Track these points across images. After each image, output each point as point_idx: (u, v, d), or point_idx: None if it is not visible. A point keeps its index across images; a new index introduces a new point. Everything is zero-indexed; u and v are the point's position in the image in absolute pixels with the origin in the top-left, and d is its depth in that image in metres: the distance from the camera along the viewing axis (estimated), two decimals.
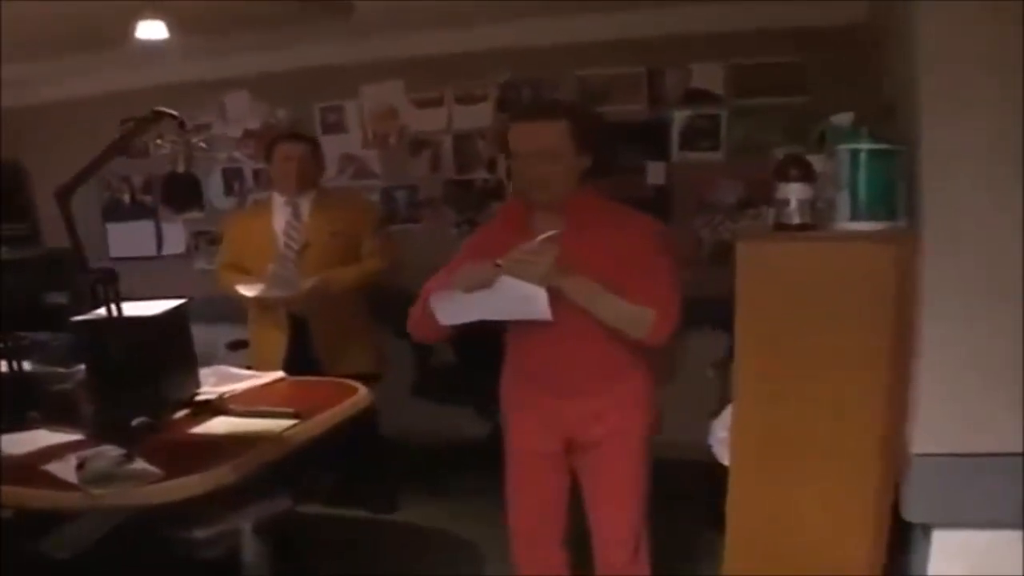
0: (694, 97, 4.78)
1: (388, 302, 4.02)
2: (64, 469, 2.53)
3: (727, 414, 2.35)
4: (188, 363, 3.27)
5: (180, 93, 5.25)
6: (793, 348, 2.15)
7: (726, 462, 2.31)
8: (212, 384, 3.37)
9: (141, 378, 2.95)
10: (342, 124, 5.43)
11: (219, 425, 2.97)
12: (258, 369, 3.87)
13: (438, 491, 4.68)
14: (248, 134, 5.63)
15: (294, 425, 2.89)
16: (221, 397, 3.23)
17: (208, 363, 3.96)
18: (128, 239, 6.09)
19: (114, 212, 6.14)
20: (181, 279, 5.35)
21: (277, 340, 4.04)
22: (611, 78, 4.86)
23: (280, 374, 3.58)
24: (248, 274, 4.01)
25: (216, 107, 5.67)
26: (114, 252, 6.11)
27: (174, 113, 3.02)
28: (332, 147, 5.23)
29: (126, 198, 6.11)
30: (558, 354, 2.63)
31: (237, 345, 4.49)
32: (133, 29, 4.04)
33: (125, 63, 5.18)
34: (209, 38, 4.87)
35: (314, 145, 4.16)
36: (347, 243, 4.01)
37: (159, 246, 6.06)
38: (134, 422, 2.83)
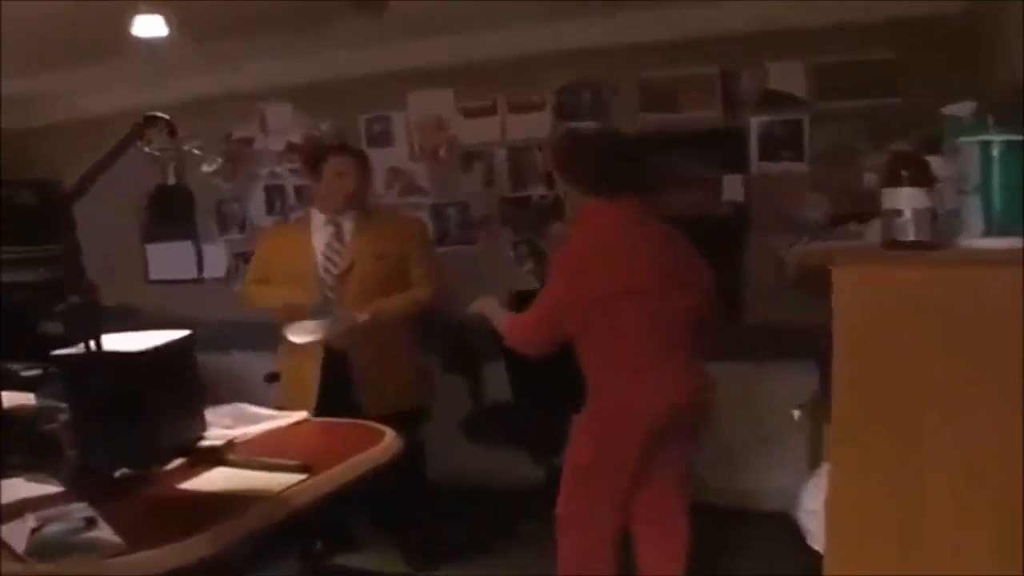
0: (773, 100, 4.35)
1: (437, 331, 3.79)
2: (16, 533, 2.12)
3: (820, 479, 1.93)
4: (189, 405, 2.86)
5: (217, 105, 5.14)
6: (906, 397, 1.70)
7: (819, 546, 1.81)
8: (226, 425, 2.98)
9: (128, 422, 2.56)
10: (388, 136, 5.13)
11: (215, 479, 2.56)
12: (289, 407, 3.50)
13: (485, 546, 4.26)
14: (291, 147, 5.31)
15: (301, 481, 2.45)
16: (230, 443, 2.83)
17: (243, 396, 3.62)
18: (168, 261, 5.85)
19: (154, 233, 5.88)
20: (222, 303, 5.08)
21: (310, 374, 3.69)
22: (679, 80, 4.47)
23: (303, 415, 3.16)
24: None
25: (256, 119, 5.41)
26: (154, 275, 5.91)
27: (165, 116, 2.62)
28: (378, 160, 4.89)
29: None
30: None
31: (274, 377, 4.11)
32: (129, 26, 3.66)
33: (157, 75, 5.03)
34: (246, 44, 4.63)
35: (364, 159, 3.85)
36: (393, 267, 3.69)
37: (200, 268, 5.78)
38: (116, 474, 2.44)
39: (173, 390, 2.78)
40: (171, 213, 2.88)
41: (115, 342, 2.65)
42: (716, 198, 4.42)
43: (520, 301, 3.06)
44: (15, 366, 3.02)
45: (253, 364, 3.95)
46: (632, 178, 2.84)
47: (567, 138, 3.13)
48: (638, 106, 4.51)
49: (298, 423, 3.10)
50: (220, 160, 5.06)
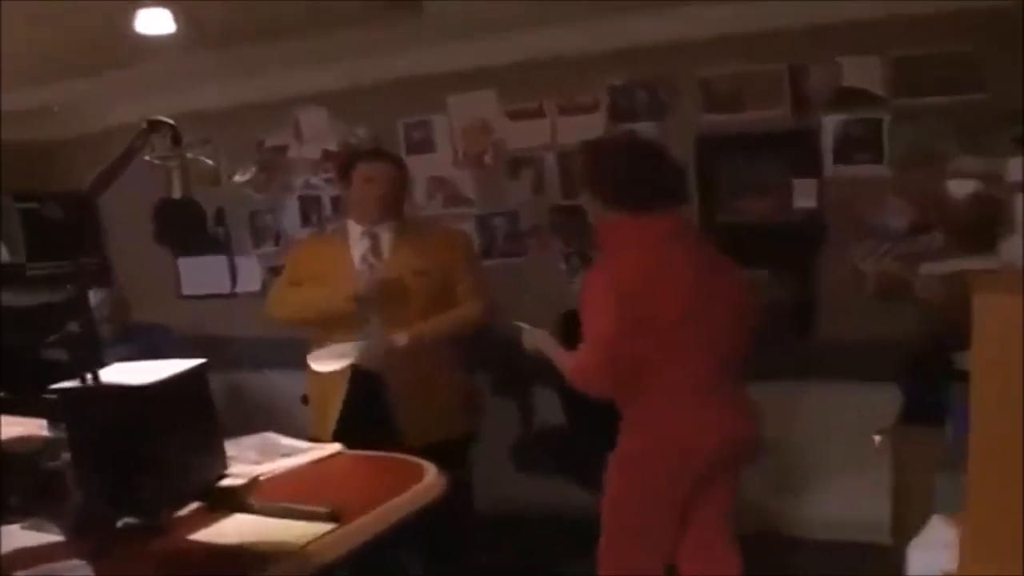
0: (848, 98, 4.01)
1: (484, 350, 3.57)
2: None
3: (937, 530, 1.76)
4: (205, 442, 2.57)
5: (249, 112, 5.01)
6: None
7: None
8: (252, 460, 2.73)
9: (132, 465, 2.26)
10: (429, 142, 4.86)
11: (232, 529, 2.27)
12: (318, 433, 3.33)
13: None
14: (326, 156, 5.06)
15: (329, 532, 2.14)
16: (253, 481, 2.52)
17: (278, 418, 3.46)
18: (201, 275, 5.64)
19: (186, 246, 5.66)
20: (256, 319, 4.60)
21: (332, 399, 3.43)
22: (744, 78, 4.15)
23: (336, 447, 2.87)
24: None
25: (290, 126, 5.18)
26: (186, 290, 5.71)
27: (170, 122, 2.33)
28: (419, 168, 4.70)
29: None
30: None
31: (307, 400, 3.82)
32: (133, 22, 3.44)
33: (187, 82, 4.87)
34: (279, 48, 4.44)
35: (400, 165, 3.57)
36: (436, 283, 3.41)
37: (233, 282, 5.55)
38: (119, 523, 2.17)
39: (185, 426, 2.49)
40: (178, 229, 2.59)
41: (122, 372, 2.40)
42: (787, 205, 4.11)
43: (572, 323, 2.79)
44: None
45: (289, 384, 3.73)
46: (668, 190, 2.62)
47: (590, 146, 2.83)
48: (699, 106, 4.22)
49: (330, 457, 2.82)
50: (253, 169, 5.07)
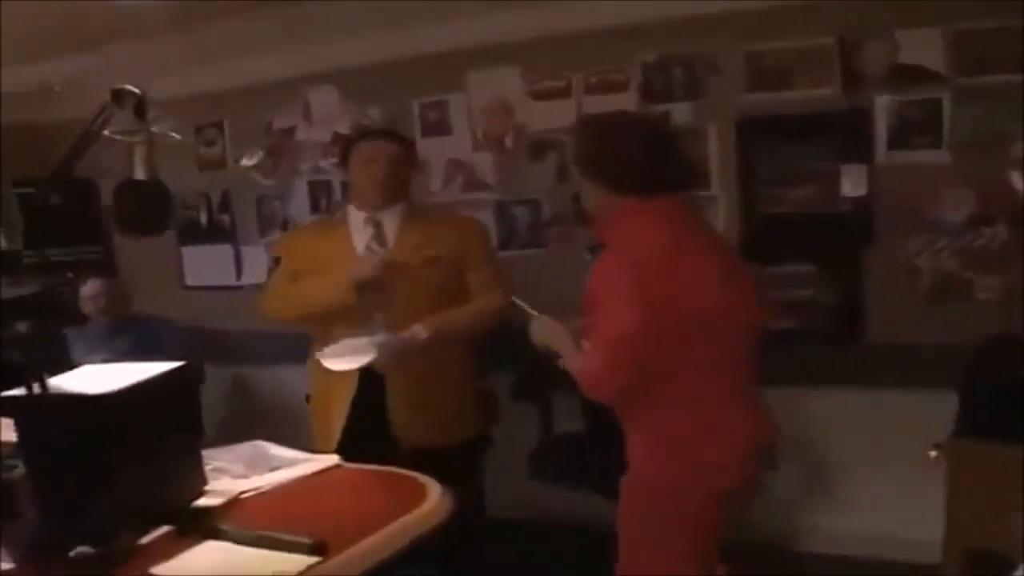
0: (904, 76, 3.71)
1: (499, 348, 3.28)
2: None
3: None
4: (179, 456, 2.31)
5: (257, 92, 4.85)
6: None
7: None
8: (238, 473, 2.47)
9: (90, 482, 1.97)
10: (446, 123, 4.61)
11: (199, 560, 1.98)
12: (321, 438, 3.15)
13: None
14: (336, 138, 4.79)
15: (311, 567, 1.85)
16: (234, 500, 2.25)
17: (283, 416, 3.47)
18: (205, 265, 5.44)
19: (190, 234, 5.46)
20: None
21: (339, 399, 3.19)
22: (790, 53, 3.84)
23: (333, 459, 2.59)
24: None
25: (299, 107, 4.94)
26: (190, 280, 5.52)
27: (135, 90, 2.03)
28: (436, 151, 4.56)
29: (203, 218, 5.41)
30: None
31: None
32: None
33: (191, 60, 4.75)
34: (287, 24, 4.35)
35: (404, 144, 3.33)
36: (447, 273, 3.19)
37: (238, 273, 5.32)
38: (73, 553, 1.86)
39: (154, 438, 2.21)
40: (140, 218, 2.31)
41: (88, 377, 2.19)
42: (834, 193, 3.82)
43: None
44: None
45: (297, 380, 3.50)
46: (681, 172, 2.40)
47: (591, 124, 2.55)
48: (740, 85, 3.91)
49: (326, 470, 2.53)
50: (261, 153, 4.80)
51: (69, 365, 2.39)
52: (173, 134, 2.21)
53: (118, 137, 2.08)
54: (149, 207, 2.21)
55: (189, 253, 5.51)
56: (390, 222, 3.20)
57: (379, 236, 3.21)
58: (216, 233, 5.36)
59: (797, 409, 3.57)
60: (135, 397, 2.10)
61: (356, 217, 3.25)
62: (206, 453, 2.49)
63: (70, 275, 4.86)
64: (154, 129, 2.14)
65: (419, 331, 3.04)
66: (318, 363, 3.20)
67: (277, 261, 3.42)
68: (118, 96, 2.14)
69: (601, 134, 2.40)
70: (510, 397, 3.91)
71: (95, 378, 2.16)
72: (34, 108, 4.97)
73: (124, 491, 2.04)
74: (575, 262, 4.18)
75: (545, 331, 2.47)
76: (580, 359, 2.30)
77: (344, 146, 3.32)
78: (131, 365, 2.28)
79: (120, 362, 4.20)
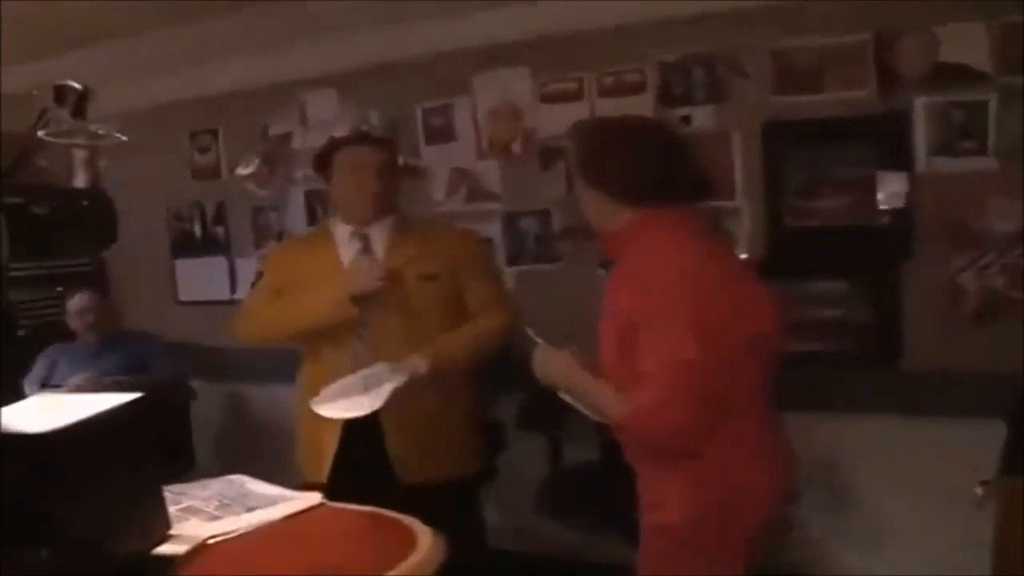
0: (946, 75, 3.47)
1: (503, 372, 3.04)
2: None
3: None
4: (136, 499, 2.01)
5: (253, 96, 4.76)
6: None
7: None
8: (210, 514, 2.25)
9: (27, 531, 1.72)
10: (450, 128, 4.42)
11: None
12: (308, 468, 2.99)
13: None
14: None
15: None
16: (202, 546, 2.02)
17: (276, 438, 3.36)
18: (199, 279, 5.24)
19: (184, 247, 5.31)
20: None
21: (334, 427, 2.96)
22: (821, 51, 3.61)
23: (315, 498, 2.36)
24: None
25: (296, 111, 4.77)
26: (183, 295, 5.33)
27: (76, 86, 1.78)
28: (439, 159, 4.40)
29: (197, 230, 5.24)
30: None
31: None
32: None
33: (185, 63, 4.66)
34: (285, 23, 4.25)
35: (391, 149, 3.14)
36: (446, 291, 3.00)
37: (232, 287, 5.11)
38: None
39: (107, 481, 1.94)
40: (77, 232, 2.09)
41: (39, 410, 1.95)
42: (869, 204, 3.59)
43: None
44: None
45: (290, 398, 3.28)
46: (688, 182, 2.22)
47: (598, 128, 2.39)
48: (767, 86, 3.68)
49: (306, 512, 2.29)
50: (256, 161, 4.64)
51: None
52: (118, 135, 1.93)
53: (51, 139, 1.81)
54: (88, 220, 1.93)
55: (183, 267, 5.34)
56: (379, 236, 3.01)
57: (367, 251, 3.01)
58: (211, 246, 5.18)
59: (826, 438, 3.43)
60: (85, 433, 1.85)
61: (341, 231, 3.05)
62: (177, 489, 2.30)
63: (59, 289, 4.75)
64: (97, 130, 1.87)
65: (419, 365, 2.84)
66: (307, 382, 3.03)
67: (257, 277, 3.17)
68: (60, 93, 1.88)
69: (609, 138, 2.23)
70: (515, 425, 3.71)
71: (43, 411, 1.92)
72: (11, 113, 4.82)
73: (69, 539, 1.78)
74: (588, 278, 3.97)
75: (554, 365, 2.24)
76: (623, 398, 2.03)
77: (322, 154, 3.08)
78: (88, 396, 2.06)
79: (109, 379, 4.21)
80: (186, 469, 4.34)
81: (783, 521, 2.35)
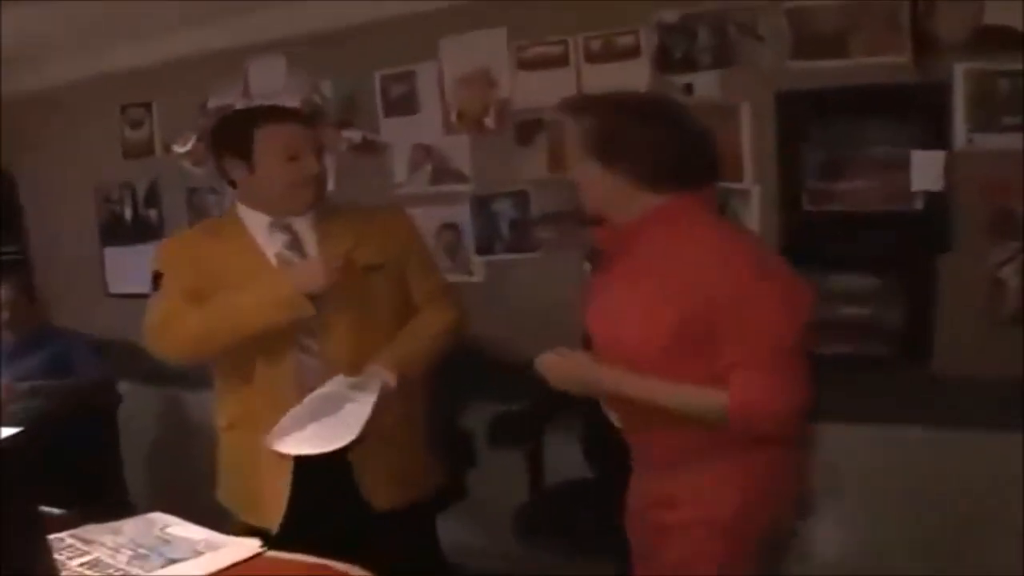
0: (991, 40, 3.12)
1: (471, 376, 3.03)
2: None
3: None
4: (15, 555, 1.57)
5: (193, 66, 4.43)
6: None
7: None
8: (118, 568, 1.94)
9: None
10: (413, 99, 4.04)
11: None
12: (241, 511, 2.65)
13: None
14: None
15: None
16: None
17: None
18: (130, 268, 4.82)
19: (113, 232, 4.96)
20: None
21: (274, 466, 2.60)
22: (846, 11, 3.26)
23: (253, 546, 2.03)
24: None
25: (239, 82, 4.40)
26: (113, 287, 5.00)
27: None
28: (400, 134, 4.03)
29: (127, 213, 4.90)
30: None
31: None
32: None
33: (122, 33, 4.36)
34: None
35: (316, 125, 2.91)
36: (389, 283, 2.74)
37: None
38: None
39: None
40: None
41: None
42: (901, 187, 3.23)
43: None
44: None
45: None
46: (707, 164, 2.23)
47: (620, 102, 2.30)
48: (783, 50, 3.32)
49: (244, 562, 1.97)
50: (194, 137, 4.41)
51: None
52: None
53: None
54: None
55: (111, 254, 4.99)
56: (303, 225, 2.66)
57: (295, 243, 2.65)
58: (143, 230, 4.82)
59: (848, 448, 3.19)
60: None
61: (255, 222, 2.65)
62: (82, 534, 2.05)
63: None
64: None
65: (384, 376, 2.51)
66: (237, 411, 2.65)
67: (155, 279, 2.68)
68: None
69: (634, 115, 2.16)
70: (488, 441, 3.36)
71: None
72: None
73: None
74: (570, 270, 3.68)
75: (588, 369, 2.17)
76: (712, 391, 2.03)
77: (234, 131, 2.67)
78: None
79: (27, 384, 3.82)
80: (111, 487, 4.08)
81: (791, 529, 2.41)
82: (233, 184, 2.65)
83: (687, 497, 2.15)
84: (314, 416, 2.44)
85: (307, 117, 2.88)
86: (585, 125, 2.14)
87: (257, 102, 3.97)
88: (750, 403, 1.98)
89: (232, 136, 2.61)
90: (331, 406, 2.44)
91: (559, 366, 2.16)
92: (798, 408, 2.02)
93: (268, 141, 2.56)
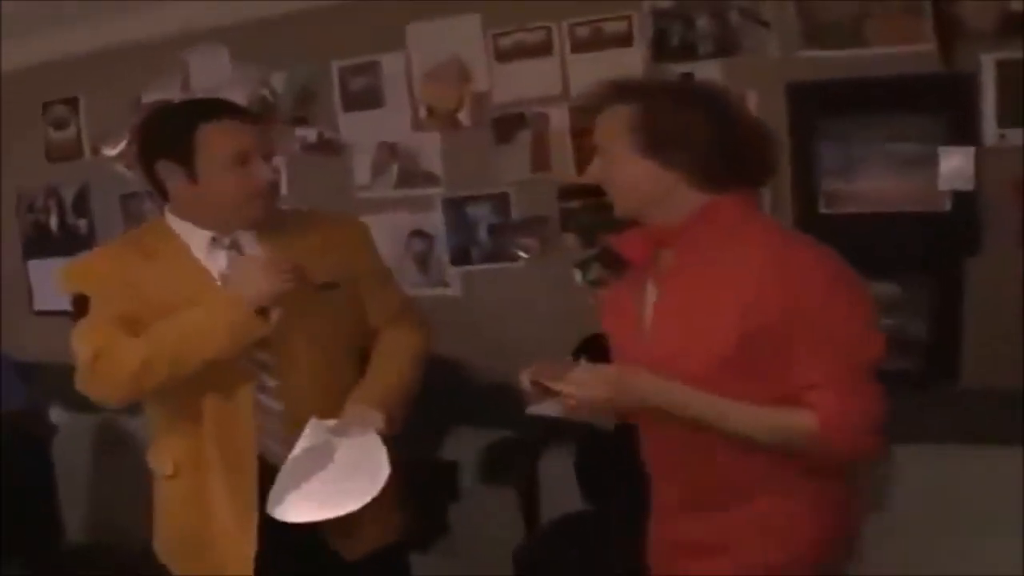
0: (1020, 28, 2.96)
1: (448, 401, 2.95)
2: None
3: None
4: None
5: (120, 59, 4.19)
6: None
7: None
8: None
9: None
10: (376, 92, 3.82)
11: None
12: (190, 559, 2.33)
13: None
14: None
15: None
16: None
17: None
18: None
19: (37, 244, 4.73)
20: None
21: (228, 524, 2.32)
22: None
23: None
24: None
25: (177, 75, 4.18)
26: (39, 303, 4.75)
27: None
28: (362, 131, 3.81)
29: (53, 222, 4.65)
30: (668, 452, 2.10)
31: None
32: None
33: (40, 19, 4.11)
34: None
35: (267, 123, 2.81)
36: (346, 303, 2.45)
37: None
38: None
39: None
40: None
41: None
42: (925, 187, 3.07)
43: (598, 353, 2.11)
44: None
45: None
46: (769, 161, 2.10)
47: (674, 89, 2.11)
48: (795, 38, 3.15)
49: None
50: (126, 138, 4.22)
51: None
52: None
53: None
54: None
55: (37, 268, 4.75)
56: (247, 238, 2.35)
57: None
58: (71, 241, 4.55)
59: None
60: None
61: (194, 237, 2.32)
62: None
63: None
64: None
65: (372, 418, 2.23)
66: (178, 436, 2.31)
67: (78, 305, 2.32)
68: None
69: (692, 104, 1.97)
70: (479, 476, 3.16)
71: None
72: None
73: None
74: (558, 280, 3.49)
75: (650, 382, 1.96)
76: (791, 411, 1.88)
77: (171, 130, 2.32)
78: None
79: None
80: (45, 531, 3.84)
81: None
82: (164, 194, 2.33)
83: (726, 544, 1.99)
84: (308, 473, 2.16)
85: (255, 114, 2.61)
86: (632, 113, 1.93)
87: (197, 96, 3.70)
88: (840, 426, 1.83)
89: (166, 136, 2.27)
90: (322, 458, 2.16)
91: (602, 379, 1.91)
92: (880, 430, 1.89)
93: (212, 143, 2.23)
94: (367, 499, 2.11)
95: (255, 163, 2.24)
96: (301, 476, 2.12)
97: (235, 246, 2.31)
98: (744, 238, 1.91)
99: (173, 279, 2.25)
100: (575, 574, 2.98)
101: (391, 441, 2.45)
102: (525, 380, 1.99)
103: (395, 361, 2.40)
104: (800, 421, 1.84)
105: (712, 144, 1.91)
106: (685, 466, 2.02)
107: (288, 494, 2.11)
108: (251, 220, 2.29)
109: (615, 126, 1.96)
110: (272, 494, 2.11)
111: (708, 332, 1.86)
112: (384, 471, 2.10)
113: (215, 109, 2.30)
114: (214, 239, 2.29)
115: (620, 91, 2.01)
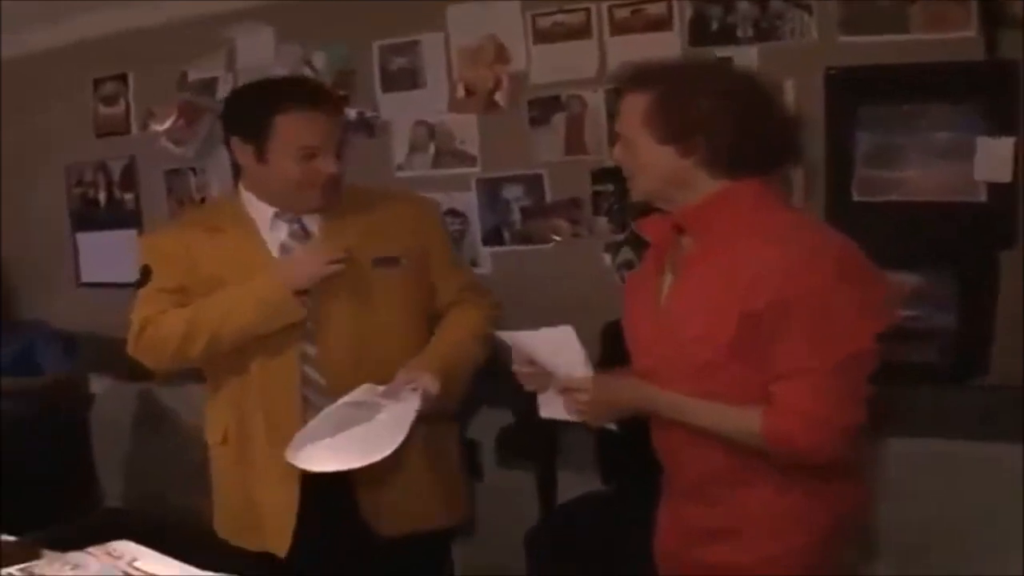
0: None
1: (475, 382, 2.56)
2: None
3: None
4: None
5: (168, 37, 4.18)
6: None
7: None
8: None
9: None
10: (416, 72, 3.79)
11: None
12: (237, 535, 2.43)
13: None
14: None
15: None
16: None
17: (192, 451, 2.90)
18: (105, 256, 4.64)
19: (86, 217, 4.72)
20: None
21: (273, 488, 2.39)
22: None
23: None
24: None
25: (223, 53, 4.17)
26: (87, 275, 4.74)
27: None
28: (400, 111, 3.78)
29: (101, 196, 4.64)
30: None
31: None
32: None
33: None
34: None
35: (341, 109, 2.81)
36: (406, 279, 2.47)
37: None
38: None
39: None
40: None
41: None
42: (963, 177, 3.01)
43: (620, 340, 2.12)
44: None
45: None
46: (784, 147, 2.08)
47: (691, 70, 2.13)
48: (834, 24, 3.10)
49: None
50: (174, 113, 4.28)
51: None
52: None
53: None
54: None
55: (86, 241, 4.74)
56: (310, 216, 2.43)
57: (302, 233, 2.41)
58: (118, 216, 4.57)
59: (898, 467, 2.95)
60: None
61: (258, 210, 2.40)
62: (37, 567, 1.78)
63: None
64: None
65: (425, 381, 2.22)
66: (228, 405, 2.41)
67: (143, 275, 2.42)
68: None
69: (713, 87, 1.95)
70: (496, 459, 3.19)
71: None
72: None
73: None
74: (590, 263, 3.47)
75: (633, 391, 2.01)
76: (751, 412, 1.83)
77: (252, 115, 2.37)
78: None
79: None
80: (84, 493, 3.92)
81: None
82: (237, 167, 2.43)
83: (731, 531, 1.98)
84: (340, 427, 2.17)
85: (336, 100, 2.63)
86: (649, 99, 1.91)
87: (246, 77, 3.70)
88: (787, 431, 1.80)
89: (245, 116, 2.35)
90: (361, 416, 2.16)
91: (610, 391, 1.99)
92: (850, 435, 1.82)
93: (285, 132, 2.29)
94: (366, 462, 2.11)
95: (322, 157, 2.30)
96: (327, 429, 2.14)
97: (297, 220, 2.37)
98: (758, 224, 1.89)
99: (232, 254, 2.34)
100: (586, 558, 2.96)
101: (455, 423, 2.58)
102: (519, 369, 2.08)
103: (456, 335, 2.43)
104: (747, 423, 1.82)
105: (730, 130, 1.89)
106: (689, 454, 2.01)
107: (306, 441, 2.13)
108: (311, 208, 2.36)
109: (633, 112, 1.94)
110: (295, 439, 2.14)
111: (713, 317, 1.84)
112: (397, 438, 2.09)
113: (297, 97, 2.34)
114: (277, 213, 2.36)
115: (639, 76, 2.00)
